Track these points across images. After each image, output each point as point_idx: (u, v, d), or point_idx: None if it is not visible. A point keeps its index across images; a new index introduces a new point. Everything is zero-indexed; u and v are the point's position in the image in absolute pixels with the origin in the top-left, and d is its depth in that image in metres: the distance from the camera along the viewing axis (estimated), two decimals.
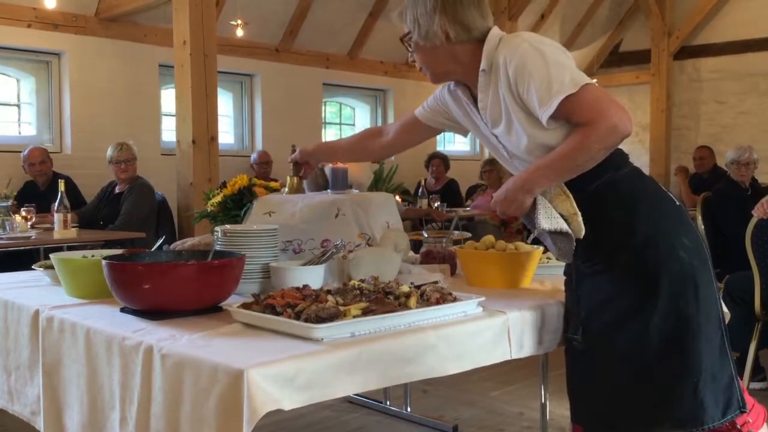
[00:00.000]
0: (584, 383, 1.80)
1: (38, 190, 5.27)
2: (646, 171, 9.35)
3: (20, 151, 5.40)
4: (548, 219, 1.70)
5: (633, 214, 1.72)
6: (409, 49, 1.89)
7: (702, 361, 1.70)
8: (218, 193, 2.47)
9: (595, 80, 1.68)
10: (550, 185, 1.70)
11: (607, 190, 1.73)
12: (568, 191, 1.72)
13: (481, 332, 1.67)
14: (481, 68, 1.76)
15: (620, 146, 1.72)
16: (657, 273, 1.69)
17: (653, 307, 1.68)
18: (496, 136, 1.83)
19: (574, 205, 1.71)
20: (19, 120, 6.06)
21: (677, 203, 1.82)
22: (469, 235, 2.57)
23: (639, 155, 10.02)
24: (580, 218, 1.70)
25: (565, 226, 1.70)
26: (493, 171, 6.94)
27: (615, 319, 1.72)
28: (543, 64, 1.65)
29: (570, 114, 1.65)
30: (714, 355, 1.73)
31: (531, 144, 1.74)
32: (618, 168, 1.76)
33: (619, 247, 1.72)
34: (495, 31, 1.79)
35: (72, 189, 5.13)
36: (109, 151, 5.00)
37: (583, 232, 1.70)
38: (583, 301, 1.79)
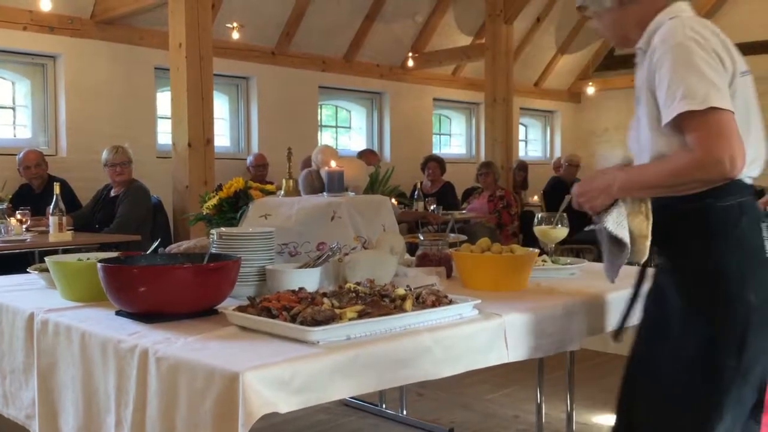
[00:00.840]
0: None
1: (33, 193, 5.26)
2: None
3: (15, 154, 5.38)
4: (615, 224, 1.62)
5: (710, 248, 1.61)
6: (587, 18, 1.86)
7: (722, 415, 1.59)
8: (214, 196, 2.46)
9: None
10: (632, 195, 1.64)
11: (704, 211, 1.62)
12: (650, 214, 1.63)
13: (477, 335, 1.67)
14: (637, 45, 1.69)
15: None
16: (710, 313, 1.60)
17: (693, 341, 1.61)
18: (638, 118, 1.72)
19: (649, 230, 1.62)
20: (14, 123, 6.05)
21: (766, 255, 1.65)
22: (464, 237, 2.57)
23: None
24: (648, 244, 1.62)
25: (626, 239, 1.62)
26: (489, 174, 6.94)
27: (659, 330, 1.66)
28: (684, 65, 1.54)
29: (685, 129, 1.54)
30: (739, 419, 1.63)
31: (648, 143, 1.65)
32: (718, 198, 1.60)
33: (685, 270, 1.64)
34: (675, 7, 1.67)
35: (68, 192, 5.12)
36: (105, 154, 4.99)
37: (643, 258, 1.62)
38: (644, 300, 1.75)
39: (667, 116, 1.55)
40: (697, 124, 1.52)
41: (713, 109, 1.51)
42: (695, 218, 1.63)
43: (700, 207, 1.61)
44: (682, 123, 1.54)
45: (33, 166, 5.22)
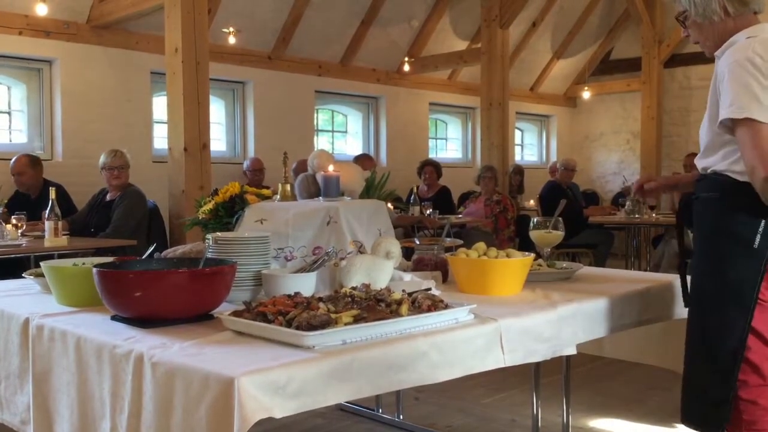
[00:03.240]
0: None
1: (30, 198, 5.24)
2: (636, 178, 9.30)
3: (10, 159, 5.36)
4: None
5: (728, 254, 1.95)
6: (684, 26, 2.06)
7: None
8: (210, 201, 2.47)
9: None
10: None
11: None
12: None
13: (473, 339, 1.67)
14: (716, 53, 1.96)
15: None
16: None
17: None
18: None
19: None
20: (10, 127, 6.04)
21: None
22: (461, 242, 2.57)
23: (630, 162, 10.08)
24: None
25: None
26: (491, 178, 6.91)
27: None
28: (737, 79, 1.81)
29: (734, 132, 1.84)
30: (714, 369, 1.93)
31: (704, 132, 1.97)
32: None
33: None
34: (758, 27, 1.90)
35: (64, 197, 5.12)
36: (102, 158, 4.98)
37: None
38: None
39: (718, 118, 1.86)
40: (738, 131, 1.81)
41: (750, 120, 1.77)
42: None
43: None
44: (730, 126, 1.84)
45: (16, 174, 5.16)
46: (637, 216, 6.50)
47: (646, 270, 6.59)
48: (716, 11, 1.91)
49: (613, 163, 10.36)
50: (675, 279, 2.36)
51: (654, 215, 6.70)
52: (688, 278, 2.11)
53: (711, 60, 2.08)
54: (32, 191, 5.21)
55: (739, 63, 1.82)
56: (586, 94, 9.96)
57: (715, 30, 1.95)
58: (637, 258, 7.01)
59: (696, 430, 1.99)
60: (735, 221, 1.89)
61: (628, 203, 6.63)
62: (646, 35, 9.38)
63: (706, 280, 1.97)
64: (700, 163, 2.03)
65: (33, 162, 5.23)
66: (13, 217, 4.28)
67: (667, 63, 9.47)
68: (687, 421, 2.00)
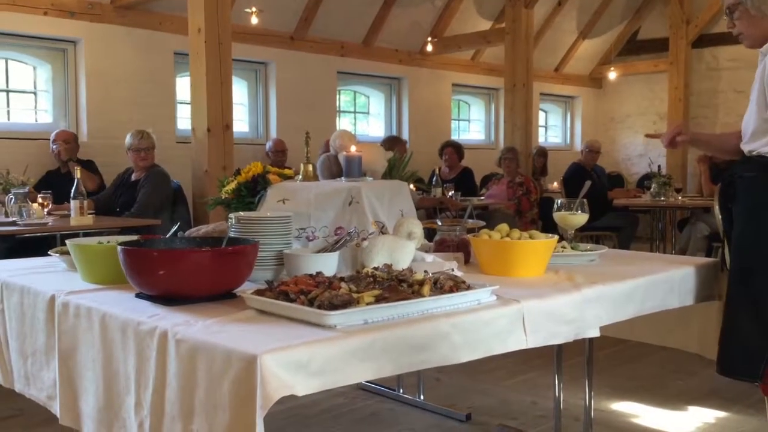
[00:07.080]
0: None
1: (61, 172, 5.34)
2: (662, 161, 9.15)
3: (37, 138, 5.44)
4: None
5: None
6: (733, 17, 2.22)
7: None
8: (232, 181, 2.47)
9: None
10: None
11: None
12: None
13: (495, 321, 1.66)
14: (761, 50, 2.15)
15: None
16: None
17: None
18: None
19: None
20: (35, 107, 6.10)
21: None
22: (483, 223, 2.56)
23: (656, 144, 9.94)
24: None
25: None
26: (513, 159, 6.86)
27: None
28: None
29: None
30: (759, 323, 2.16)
31: (753, 121, 2.14)
32: None
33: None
34: None
35: (95, 171, 5.25)
36: (129, 139, 5.02)
37: None
38: None
39: None
40: None
41: None
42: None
43: None
44: None
45: (62, 141, 5.34)
46: (662, 199, 6.42)
47: (671, 254, 6.52)
48: None
49: (639, 145, 10.23)
50: (701, 262, 2.33)
51: (680, 198, 6.61)
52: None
53: (740, 41, 2.19)
54: (68, 161, 5.30)
55: None
56: (611, 75, 9.82)
57: (762, 25, 2.15)
58: (662, 241, 6.94)
59: (736, 378, 2.26)
60: None
61: (653, 186, 6.54)
62: (673, 15, 9.22)
63: (754, 247, 2.18)
64: (746, 147, 2.22)
65: (76, 137, 5.54)
66: (39, 196, 4.33)
67: (695, 43, 9.30)
68: (728, 372, 2.23)
